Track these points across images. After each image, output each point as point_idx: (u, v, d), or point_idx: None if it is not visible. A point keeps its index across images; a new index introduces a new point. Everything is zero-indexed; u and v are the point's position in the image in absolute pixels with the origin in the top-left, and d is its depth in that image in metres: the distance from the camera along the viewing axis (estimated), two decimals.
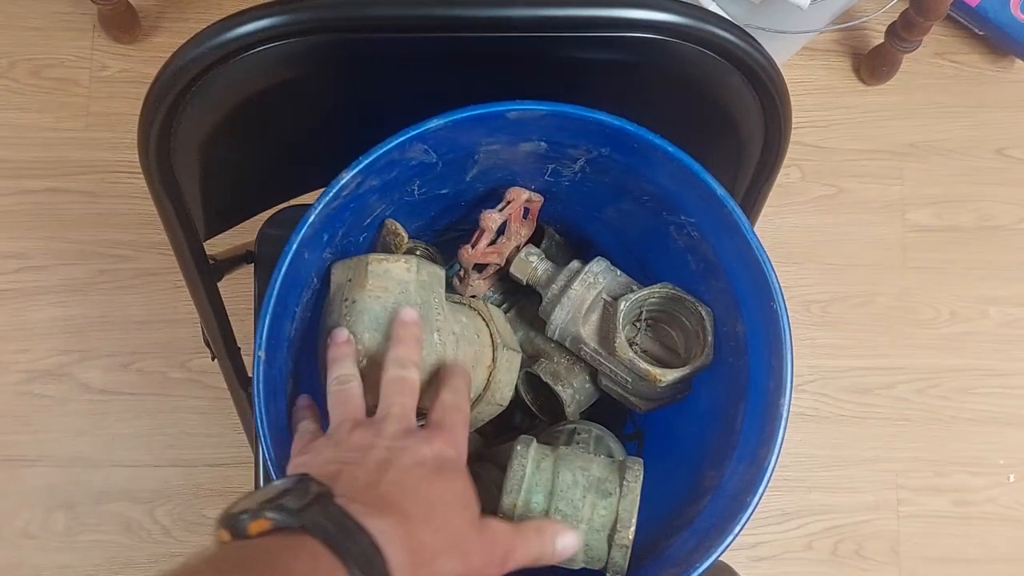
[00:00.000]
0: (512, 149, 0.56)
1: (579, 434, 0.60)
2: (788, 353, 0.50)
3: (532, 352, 0.66)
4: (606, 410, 0.70)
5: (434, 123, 0.50)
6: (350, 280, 0.53)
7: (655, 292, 0.59)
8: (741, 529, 0.47)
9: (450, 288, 0.65)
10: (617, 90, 0.59)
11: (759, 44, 0.56)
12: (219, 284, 0.71)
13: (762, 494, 0.48)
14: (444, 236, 0.70)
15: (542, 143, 0.56)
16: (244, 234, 0.84)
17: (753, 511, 0.48)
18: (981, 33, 1.31)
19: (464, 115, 0.51)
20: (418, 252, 0.67)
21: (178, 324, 1.17)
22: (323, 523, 0.35)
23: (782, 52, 1.26)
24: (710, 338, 0.57)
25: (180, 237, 0.61)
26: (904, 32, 1.18)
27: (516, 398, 0.67)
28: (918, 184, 1.32)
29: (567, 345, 0.62)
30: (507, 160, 0.59)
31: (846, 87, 1.33)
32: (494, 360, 0.59)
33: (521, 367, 0.65)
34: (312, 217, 0.49)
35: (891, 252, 1.31)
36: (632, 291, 0.59)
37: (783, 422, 0.49)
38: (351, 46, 0.53)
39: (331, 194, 0.49)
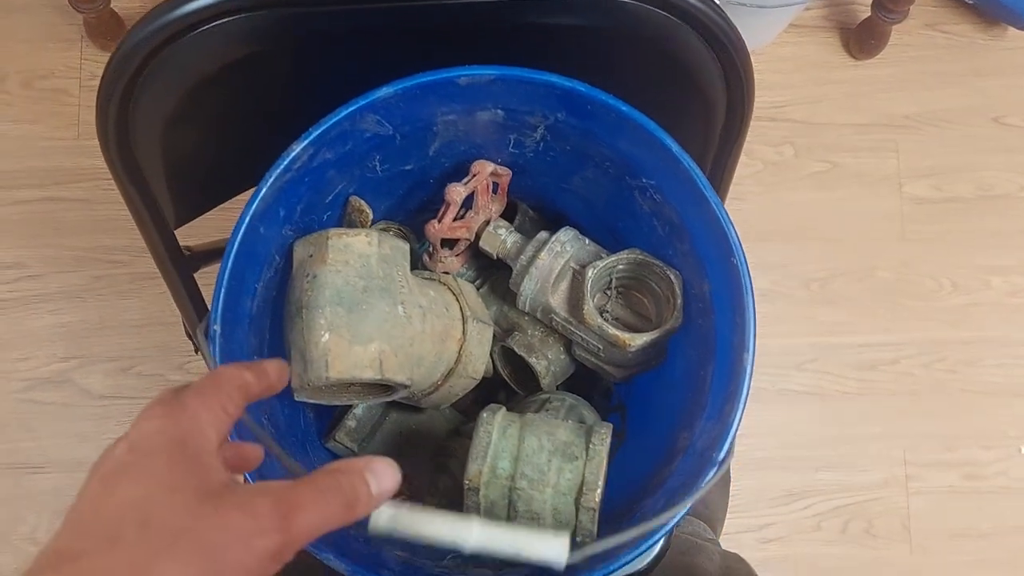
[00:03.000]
0: (470, 119, 0.56)
1: (551, 403, 0.60)
2: (750, 307, 0.49)
3: (507, 326, 0.66)
4: (589, 383, 0.70)
5: (384, 91, 0.50)
6: (311, 256, 0.53)
7: (623, 258, 0.59)
8: (708, 485, 0.47)
9: (422, 266, 0.65)
10: (577, 56, 0.59)
11: (716, 5, 0.56)
12: (205, 277, 0.71)
13: (728, 450, 0.48)
14: (419, 217, 0.70)
15: (499, 111, 0.55)
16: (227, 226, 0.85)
17: (719, 468, 0.47)
18: (971, 2, 1.29)
19: (414, 83, 0.51)
20: (391, 232, 0.67)
21: (175, 326, 1.16)
22: None
23: (768, 29, 1.26)
24: (679, 301, 0.57)
25: (149, 225, 0.61)
26: (889, 3, 1.17)
27: (495, 374, 0.67)
28: (914, 156, 1.31)
29: (538, 316, 0.61)
30: (468, 131, 0.58)
31: (836, 62, 1.32)
32: (464, 333, 0.59)
33: (496, 341, 0.65)
34: (264, 190, 0.49)
35: (889, 225, 1.30)
36: (600, 258, 0.59)
37: (747, 377, 0.48)
38: (302, 20, 0.53)
39: (282, 166, 0.49)
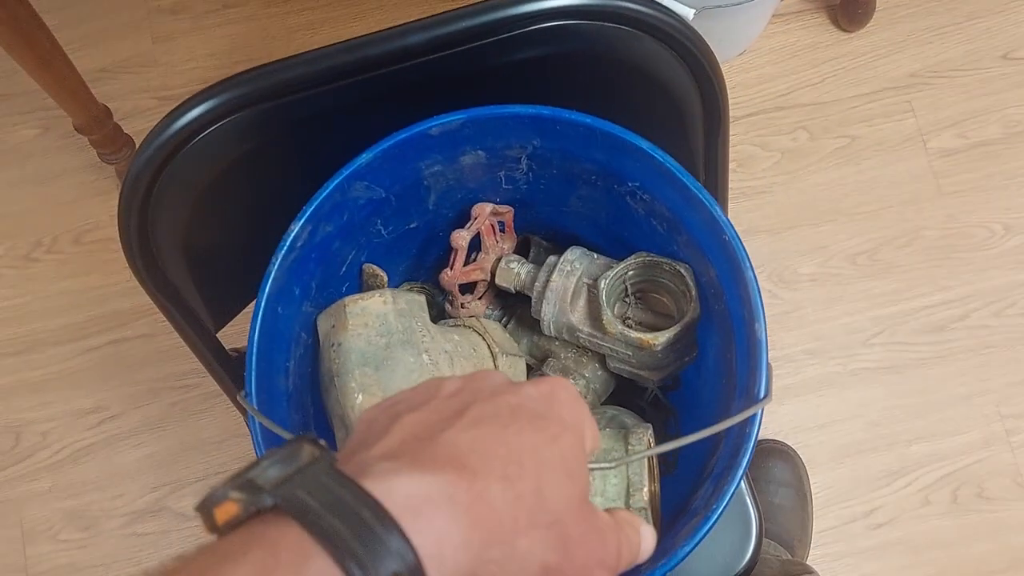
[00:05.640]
0: (455, 165, 0.59)
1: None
2: (751, 279, 0.50)
3: (541, 355, 0.67)
4: (634, 394, 0.70)
5: (364, 157, 0.53)
6: (333, 326, 0.56)
7: (631, 264, 0.60)
8: (748, 461, 0.47)
9: (448, 316, 0.68)
10: (554, 82, 0.61)
11: (672, 12, 0.57)
12: None
13: (760, 423, 0.48)
14: (438, 273, 0.72)
15: (479, 152, 0.58)
16: None
17: (755, 442, 0.48)
18: None
19: (390, 142, 0.53)
20: (415, 292, 0.70)
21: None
22: (303, 498, 0.25)
23: (753, 25, 1.27)
24: (693, 292, 0.58)
25: (190, 334, 0.65)
26: None
27: None
28: (931, 111, 1.29)
29: (565, 336, 0.63)
30: (458, 178, 0.61)
31: (829, 40, 1.32)
32: (496, 368, 0.61)
33: (533, 372, 0.66)
34: (274, 271, 0.52)
35: (923, 184, 1.28)
36: (611, 268, 0.61)
37: (763, 347, 0.49)
38: (286, 109, 0.56)
39: (286, 246, 0.53)
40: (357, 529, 0.24)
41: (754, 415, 0.47)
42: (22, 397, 1.25)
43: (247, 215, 0.64)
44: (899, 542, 1.18)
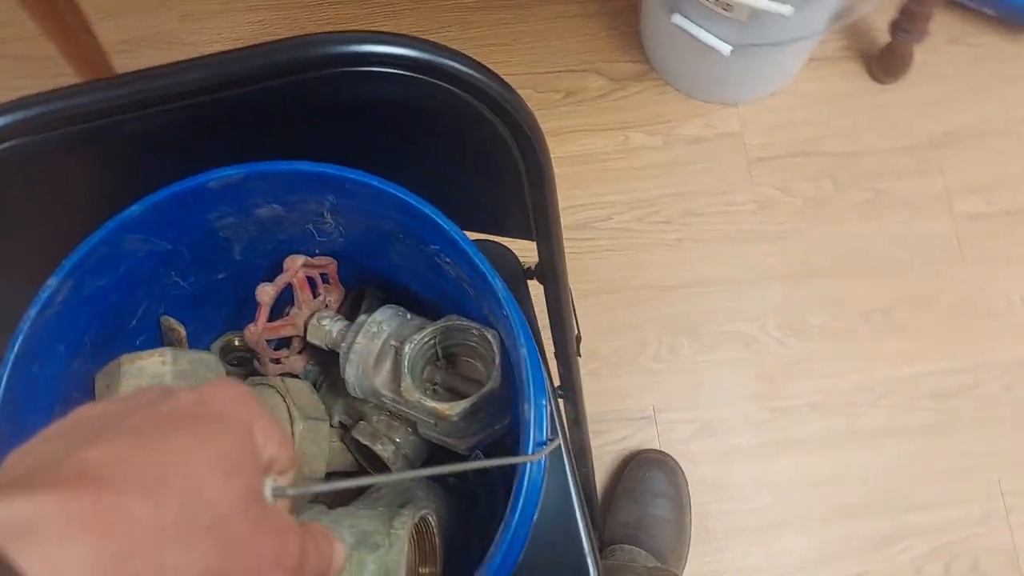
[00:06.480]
0: (251, 218, 0.53)
1: (379, 490, 0.57)
2: (524, 358, 0.46)
3: (356, 417, 0.63)
4: (463, 457, 0.64)
5: (132, 210, 0.47)
6: (108, 386, 0.52)
7: (437, 329, 0.56)
8: (511, 539, 0.43)
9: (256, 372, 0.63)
10: (368, 128, 0.54)
11: (487, 68, 0.50)
12: None
13: (518, 511, 0.44)
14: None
15: (275, 206, 0.52)
16: None
17: (513, 530, 0.43)
18: (992, 14, 1.27)
19: (164, 195, 0.48)
20: (236, 342, 0.66)
21: None
22: None
23: (788, 66, 1.25)
24: (496, 360, 0.53)
25: None
26: (906, 24, 1.16)
27: (358, 465, 0.64)
28: (960, 173, 1.27)
29: (371, 400, 0.59)
30: (260, 230, 0.56)
31: (864, 89, 1.30)
32: (293, 434, 0.57)
33: (349, 432, 0.63)
34: (25, 330, 0.46)
35: (946, 247, 1.25)
36: (419, 332, 0.56)
37: (531, 427, 0.45)
38: (85, 137, 0.48)
39: (41, 303, 0.46)
40: None
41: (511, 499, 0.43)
42: None
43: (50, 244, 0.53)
44: None
